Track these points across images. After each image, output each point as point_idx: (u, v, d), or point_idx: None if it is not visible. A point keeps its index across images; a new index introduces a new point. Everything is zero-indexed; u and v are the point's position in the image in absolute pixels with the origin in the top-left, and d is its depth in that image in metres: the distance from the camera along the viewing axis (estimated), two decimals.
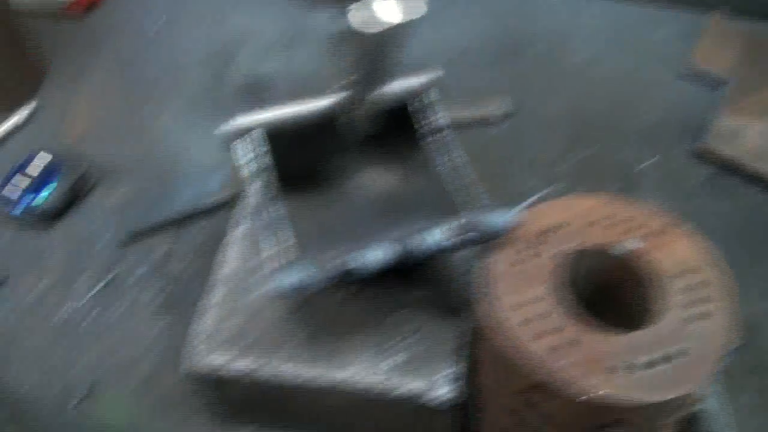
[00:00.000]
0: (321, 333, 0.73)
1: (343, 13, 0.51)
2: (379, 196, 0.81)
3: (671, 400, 0.57)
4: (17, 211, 1.02)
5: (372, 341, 0.72)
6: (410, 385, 0.69)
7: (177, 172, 1.08)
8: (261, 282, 0.77)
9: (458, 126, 1.11)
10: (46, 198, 1.02)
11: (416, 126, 0.73)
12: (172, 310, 0.93)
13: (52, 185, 1.03)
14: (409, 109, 0.73)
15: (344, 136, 0.77)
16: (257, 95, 1.16)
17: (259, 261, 0.79)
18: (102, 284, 0.96)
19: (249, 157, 0.73)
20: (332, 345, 0.72)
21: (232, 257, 0.81)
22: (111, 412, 0.85)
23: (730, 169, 1.07)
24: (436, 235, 0.61)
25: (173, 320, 0.92)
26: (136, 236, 1.01)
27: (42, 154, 1.06)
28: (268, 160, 0.71)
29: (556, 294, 0.63)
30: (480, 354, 0.66)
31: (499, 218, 0.63)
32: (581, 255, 0.67)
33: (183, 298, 0.94)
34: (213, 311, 0.76)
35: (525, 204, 0.99)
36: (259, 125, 0.72)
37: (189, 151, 1.10)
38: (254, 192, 0.85)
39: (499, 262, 0.65)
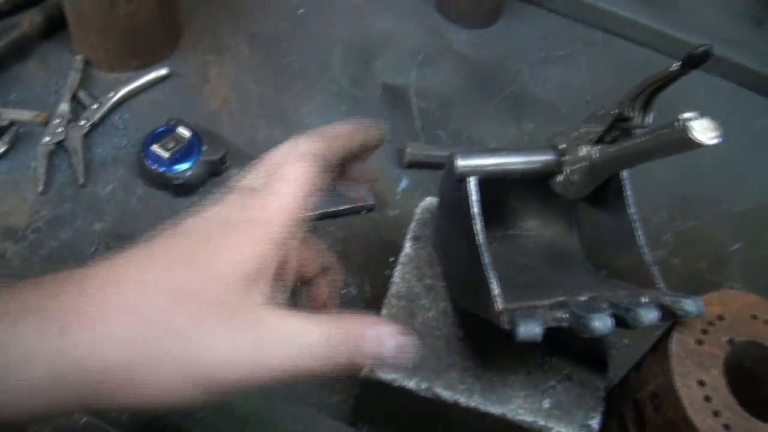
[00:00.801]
0: (480, 367, 0.80)
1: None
2: (549, 245, 0.88)
3: None
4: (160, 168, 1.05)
5: (528, 382, 0.80)
6: (562, 427, 0.77)
7: None
8: (427, 307, 0.85)
9: None
10: (185, 170, 1.05)
11: (619, 196, 0.80)
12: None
13: (191, 161, 1.06)
14: (616, 179, 0.80)
15: (535, 187, 0.83)
16: (398, 107, 1.21)
17: (425, 285, 0.86)
18: None
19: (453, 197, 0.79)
20: (492, 379, 0.80)
21: (402, 277, 0.87)
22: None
23: None
24: (654, 313, 0.69)
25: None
26: None
27: (181, 129, 1.08)
28: (479, 205, 0.77)
29: (723, 378, 0.72)
30: (650, 413, 0.75)
31: (694, 305, 0.71)
32: (738, 345, 0.76)
33: None
34: None
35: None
36: (478, 170, 0.78)
37: None
38: (425, 219, 0.93)
39: (682, 341, 0.74)
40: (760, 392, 0.78)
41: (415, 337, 0.51)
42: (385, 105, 1.22)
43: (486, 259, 0.74)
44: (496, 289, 0.72)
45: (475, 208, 0.78)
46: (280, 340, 0.47)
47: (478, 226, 0.77)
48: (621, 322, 0.70)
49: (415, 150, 1.14)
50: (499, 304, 0.71)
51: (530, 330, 0.66)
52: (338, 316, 0.50)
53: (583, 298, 0.73)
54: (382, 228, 1.08)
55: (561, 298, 0.73)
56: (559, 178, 0.80)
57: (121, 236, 1.01)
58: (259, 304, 0.48)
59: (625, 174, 0.81)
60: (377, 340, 0.49)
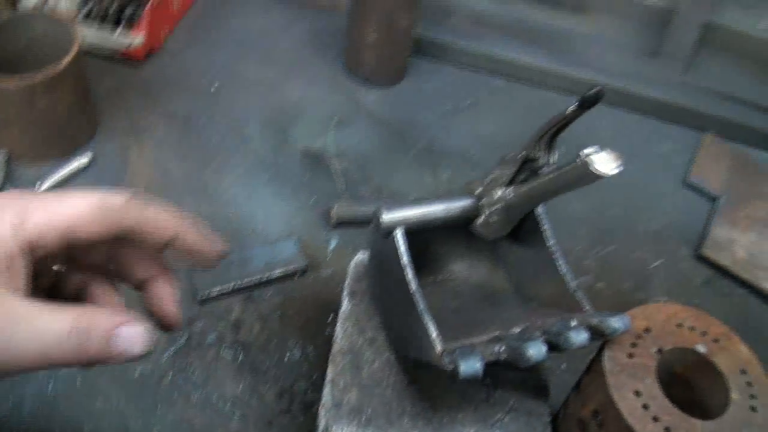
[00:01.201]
0: (430, 409, 0.83)
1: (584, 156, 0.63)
2: (478, 286, 0.92)
3: None
4: None
5: (475, 418, 0.83)
6: None
7: (245, 236, 1.15)
8: (372, 359, 0.87)
9: None
10: None
11: (537, 231, 0.85)
12: (245, 376, 0.99)
13: None
14: (533, 216, 0.85)
15: (458, 231, 0.87)
16: (320, 170, 1.25)
17: (367, 338, 0.89)
18: (175, 347, 1.01)
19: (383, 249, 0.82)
20: (441, 420, 0.82)
21: (343, 333, 0.89)
22: None
23: (723, 273, 1.25)
24: (584, 335, 0.73)
25: (248, 385, 0.98)
26: (206, 301, 1.06)
27: None
28: (408, 255, 0.81)
29: (657, 385, 0.76)
30: (593, 430, 0.78)
31: (619, 322, 0.75)
32: (667, 353, 0.81)
33: (256, 366, 1.00)
34: (331, 386, 0.84)
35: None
36: (402, 221, 0.82)
37: (255, 216, 1.17)
38: (359, 274, 0.95)
39: (614, 357, 0.78)
40: (692, 394, 0.83)
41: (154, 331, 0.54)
42: (306, 169, 1.26)
43: (421, 305, 0.77)
44: (434, 332, 0.75)
45: (405, 258, 0.81)
46: (29, 332, 0.47)
47: (410, 274, 0.80)
48: (554, 347, 0.74)
49: (340, 209, 1.16)
50: (439, 346, 0.74)
51: (471, 366, 0.69)
52: (91, 310, 0.53)
53: (516, 330, 0.77)
54: (317, 289, 1.10)
55: (496, 333, 0.77)
56: (479, 221, 0.85)
57: None
58: (7, 296, 0.50)
59: (540, 210, 0.86)
60: (126, 339, 0.51)
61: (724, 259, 1.26)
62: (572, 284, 0.82)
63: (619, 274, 1.21)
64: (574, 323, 0.76)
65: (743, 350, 0.82)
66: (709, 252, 1.26)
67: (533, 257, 0.88)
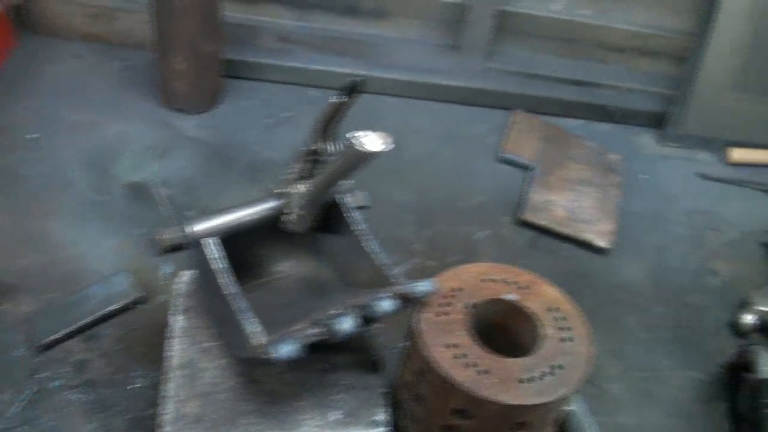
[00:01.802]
0: (270, 403, 0.86)
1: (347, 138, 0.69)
2: (305, 280, 0.97)
3: (558, 400, 0.80)
4: None
5: (314, 403, 0.87)
6: (351, 430, 0.84)
7: (79, 277, 1.14)
8: (208, 367, 0.89)
9: None
10: None
11: (345, 219, 0.91)
12: (96, 414, 0.99)
13: None
14: (339, 206, 0.91)
15: (275, 233, 0.92)
16: (145, 201, 1.26)
17: (201, 349, 0.91)
18: (21, 399, 0.99)
19: (202, 260, 0.85)
20: (282, 411, 0.86)
21: (177, 348, 0.91)
22: None
23: (545, 232, 1.36)
24: (389, 301, 0.79)
25: (100, 423, 0.98)
26: (46, 348, 1.04)
27: None
28: (223, 261, 0.84)
29: (468, 336, 0.83)
30: (423, 388, 0.84)
31: (424, 286, 0.82)
32: (481, 306, 0.88)
33: (105, 402, 1.00)
34: (171, 401, 0.86)
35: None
36: (213, 231, 0.85)
37: (86, 256, 1.17)
38: (189, 291, 0.97)
39: (426, 318, 0.85)
40: (513, 338, 0.91)
41: None
42: (132, 203, 1.27)
43: (239, 304, 0.81)
44: (250, 327, 0.78)
45: (219, 264, 0.84)
46: None
47: (225, 279, 0.83)
48: (368, 319, 0.80)
49: (167, 236, 1.18)
50: (256, 339, 0.77)
51: (284, 350, 0.73)
52: None
53: (334, 312, 0.82)
54: (156, 315, 1.11)
55: (315, 318, 0.81)
56: (287, 218, 0.89)
57: None
58: None
59: (344, 199, 0.92)
60: None
61: (544, 220, 1.36)
62: (382, 261, 0.88)
63: (448, 250, 1.29)
64: (384, 295, 0.82)
65: (551, 292, 0.91)
66: (528, 216, 1.36)
67: (348, 244, 0.93)
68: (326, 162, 0.82)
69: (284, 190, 0.87)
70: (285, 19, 1.57)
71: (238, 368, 0.90)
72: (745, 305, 1.29)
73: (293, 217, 0.87)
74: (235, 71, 1.52)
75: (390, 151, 1.41)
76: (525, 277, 0.93)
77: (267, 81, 1.55)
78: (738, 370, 1.16)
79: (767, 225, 1.51)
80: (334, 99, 0.76)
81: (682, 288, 1.33)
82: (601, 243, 1.35)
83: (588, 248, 1.35)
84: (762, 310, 1.27)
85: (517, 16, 1.62)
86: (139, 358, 1.06)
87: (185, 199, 1.28)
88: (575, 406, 0.99)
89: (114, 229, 1.22)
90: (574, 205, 1.41)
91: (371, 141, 0.73)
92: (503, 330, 0.92)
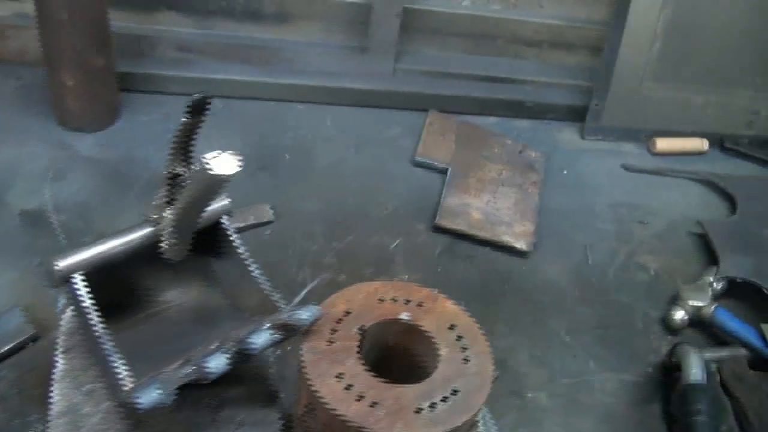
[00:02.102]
0: None
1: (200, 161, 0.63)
2: (195, 309, 0.90)
3: (458, 427, 0.74)
4: None
5: None
6: None
7: None
8: (92, 412, 0.82)
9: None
10: None
11: (223, 244, 0.84)
12: None
13: None
14: (217, 230, 0.84)
15: (159, 261, 0.85)
16: (41, 229, 1.18)
17: (85, 392, 0.84)
18: None
19: (74, 297, 0.79)
20: None
21: (58, 393, 0.84)
22: None
23: (463, 237, 1.31)
24: (265, 334, 0.72)
25: None
26: None
27: None
28: (91, 298, 0.77)
29: (360, 365, 0.77)
30: (312, 423, 0.78)
31: (307, 313, 0.76)
32: (372, 329, 0.82)
33: None
34: None
35: (302, 294, 1.15)
36: (80, 266, 0.78)
37: None
38: (72, 328, 0.90)
39: (312, 347, 0.78)
40: (410, 360, 0.85)
41: None
42: (26, 231, 1.19)
43: (108, 346, 0.75)
44: (119, 370, 0.72)
45: (87, 302, 0.78)
46: None
47: (94, 318, 0.77)
48: (246, 355, 0.73)
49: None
50: (125, 385, 0.71)
51: (152, 395, 0.67)
52: None
53: (213, 347, 0.75)
54: (53, 352, 1.03)
55: (189, 355, 0.75)
56: (163, 245, 0.82)
57: None
58: None
59: (225, 221, 0.85)
60: None
61: (460, 225, 1.31)
62: (266, 287, 0.82)
63: (361, 262, 1.23)
64: (266, 325, 0.76)
65: (449, 307, 0.85)
66: (443, 221, 1.31)
67: (235, 269, 0.87)
68: (184, 186, 0.76)
69: (156, 216, 0.81)
70: (183, 28, 1.50)
71: (125, 411, 0.83)
72: (675, 300, 1.26)
73: (169, 246, 0.81)
74: (133, 85, 1.44)
75: (299, 160, 1.36)
76: (420, 293, 0.87)
77: (168, 93, 1.47)
78: (671, 370, 1.13)
79: (695, 214, 1.49)
80: (184, 119, 0.70)
81: (609, 286, 1.30)
82: (520, 245, 1.30)
83: (508, 251, 1.31)
84: (693, 305, 1.24)
85: (424, 13, 1.58)
86: (36, 401, 0.97)
87: (80, 224, 1.20)
88: (485, 428, 0.94)
89: (7, 261, 1.14)
90: (492, 207, 1.36)
91: (221, 163, 0.67)
92: (402, 353, 0.86)
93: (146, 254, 0.84)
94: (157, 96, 1.47)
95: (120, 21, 1.46)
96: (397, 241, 1.28)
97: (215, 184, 0.68)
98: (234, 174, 0.67)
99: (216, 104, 1.48)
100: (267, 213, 1.26)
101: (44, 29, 1.27)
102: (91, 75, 1.31)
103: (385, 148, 1.47)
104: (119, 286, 0.84)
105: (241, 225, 1.22)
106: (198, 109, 0.69)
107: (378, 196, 1.36)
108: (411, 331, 0.84)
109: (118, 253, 0.82)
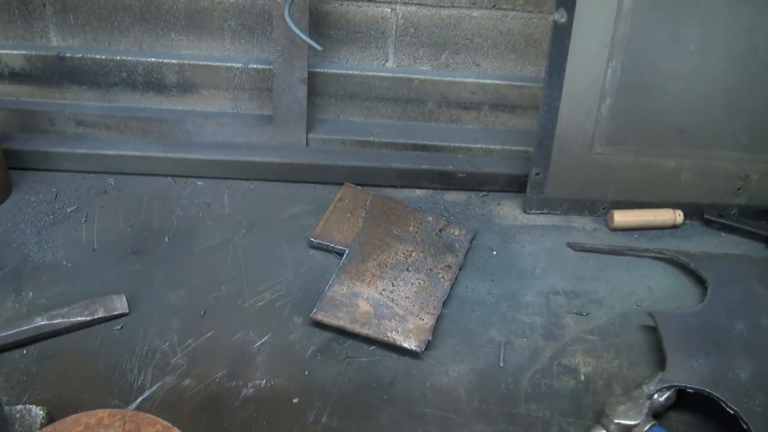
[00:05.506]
0: None
1: None
2: None
3: None
4: None
5: None
6: None
7: None
8: None
9: (78, 327, 1.12)
10: None
11: None
12: None
13: None
14: None
15: None
16: None
17: None
18: None
19: None
20: None
21: None
22: None
23: (346, 333, 1.13)
24: None
25: None
26: None
27: None
28: None
29: None
30: None
31: None
32: None
33: None
34: None
35: (136, 402, 1.01)
36: None
37: None
38: None
39: None
40: None
41: None
42: None
43: None
44: None
45: None
46: None
47: None
48: None
49: None
50: None
51: None
52: None
53: None
54: None
55: None
56: None
57: None
58: None
59: None
60: None
61: (339, 320, 1.13)
62: None
63: (215, 364, 1.08)
64: None
65: None
66: (321, 315, 1.13)
67: None
68: None
69: None
70: (85, 101, 1.42)
71: None
72: (599, 418, 1.03)
73: None
74: (26, 163, 1.38)
75: (180, 243, 1.22)
76: (155, 427, 0.72)
77: (62, 171, 1.40)
78: None
79: (654, 303, 1.25)
80: None
81: (520, 395, 1.08)
82: (409, 344, 1.11)
83: (399, 351, 1.12)
84: (620, 424, 1.01)
85: (339, 77, 1.44)
86: None
87: None
88: None
89: None
90: (386, 296, 1.18)
91: None
92: None
93: None
94: (50, 174, 1.39)
95: (23, 96, 1.42)
96: (265, 338, 1.13)
97: None
98: None
99: (107, 182, 1.39)
100: (121, 305, 1.14)
101: None
102: None
103: (282, 228, 1.32)
104: None
105: (87, 319, 1.11)
106: None
107: (257, 284, 1.21)
108: None
109: None
